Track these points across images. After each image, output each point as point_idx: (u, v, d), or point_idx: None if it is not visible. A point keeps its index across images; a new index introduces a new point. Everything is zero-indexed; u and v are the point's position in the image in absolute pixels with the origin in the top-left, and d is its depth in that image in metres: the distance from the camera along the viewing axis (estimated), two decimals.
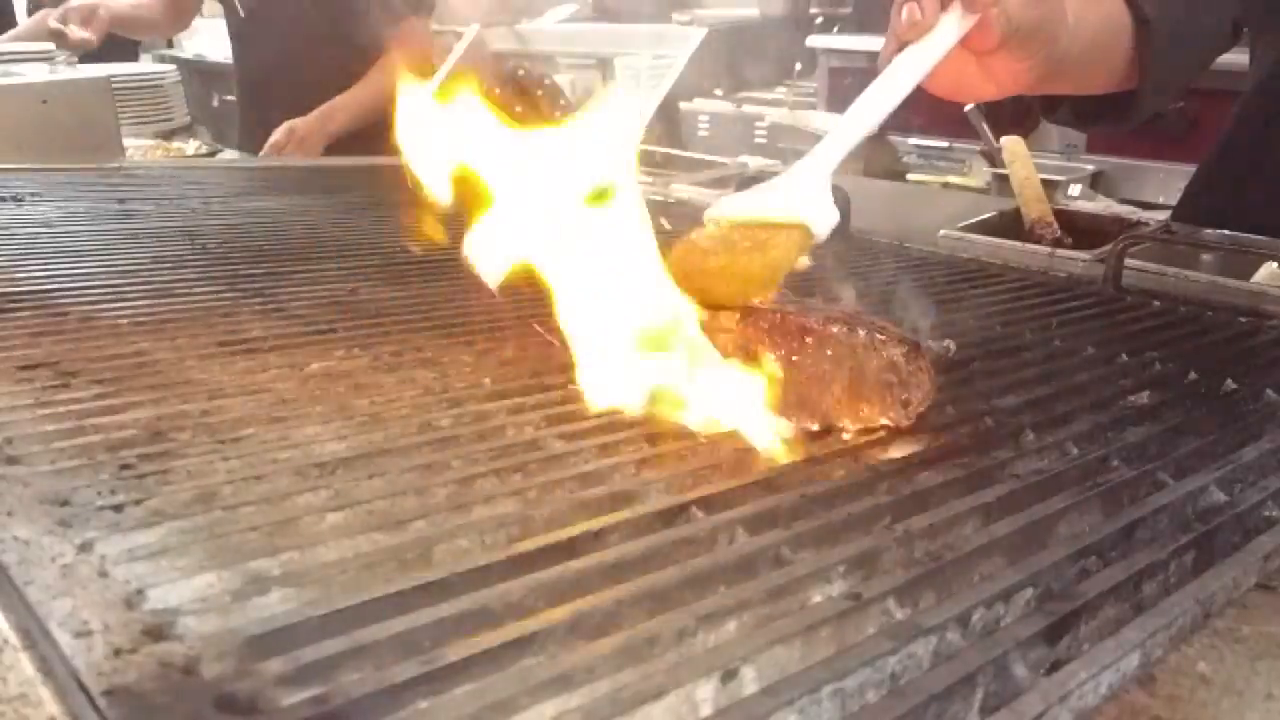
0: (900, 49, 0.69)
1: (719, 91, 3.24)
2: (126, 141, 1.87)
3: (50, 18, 2.14)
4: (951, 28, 0.69)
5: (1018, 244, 1.18)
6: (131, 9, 2.32)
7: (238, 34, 2.21)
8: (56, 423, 0.60)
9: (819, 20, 3.18)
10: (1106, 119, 0.91)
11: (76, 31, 2.10)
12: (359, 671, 0.37)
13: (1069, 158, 2.46)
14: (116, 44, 2.47)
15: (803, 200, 0.65)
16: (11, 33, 2.66)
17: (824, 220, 0.65)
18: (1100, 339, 0.83)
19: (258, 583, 0.43)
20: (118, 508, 0.49)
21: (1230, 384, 0.74)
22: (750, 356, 0.63)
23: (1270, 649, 0.45)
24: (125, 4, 2.30)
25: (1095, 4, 0.77)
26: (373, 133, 1.95)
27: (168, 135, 2.38)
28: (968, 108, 2.04)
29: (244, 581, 0.43)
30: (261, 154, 2.01)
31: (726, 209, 0.66)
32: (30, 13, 2.98)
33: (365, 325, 0.82)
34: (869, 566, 0.47)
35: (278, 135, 1.97)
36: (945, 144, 2.58)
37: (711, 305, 0.64)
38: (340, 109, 2.01)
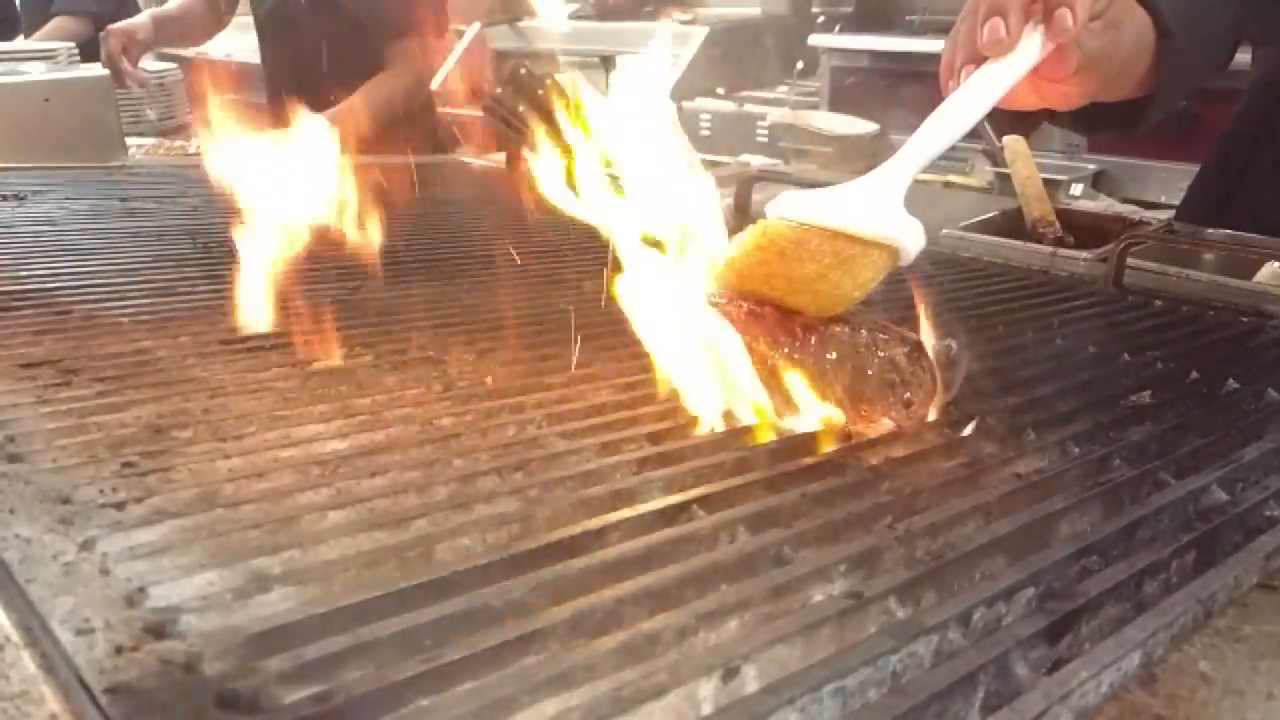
0: (969, 62, 0.69)
1: (720, 90, 3.24)
2: (128, 140, 1.87)
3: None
4: (1033, 49, 0.68)
5: (1019, 243, 1.18)
6: (179, 22, 2.32)
7: (261, 32, 2.22)
8: (58, 420, 0.60)
9: (821, 19, 3.17)
10: (1111, 126, 0.92)
11: (127, 68, 2.11)
12: (360, 669, 0.37)
13: (1071, 157, 2.46)
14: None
15: (890, 219, 0.62)
16: (36, 35, 2.67)
17: (914, 243, 0.62)
18: (1102, 338, 0.83)
19: (259, 581, 0.43)
20: (119, 505, 0.50)
21: (1232, 383, 0.74)
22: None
23: (1272, 648, 0.45)
24: (172, 15, 2.30)
25: (1130, 20, 0.78)
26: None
27: (169, 134, 2.37)
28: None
29: (245, 579, 0.43)
30: None
31: (797, 211, 0.62)
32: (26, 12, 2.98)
33: (367, 323, 0.82)
34: (870, 565, 0.47)
35: None
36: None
37: (773, 304, 0.62)
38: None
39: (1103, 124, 0.91)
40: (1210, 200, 1.19)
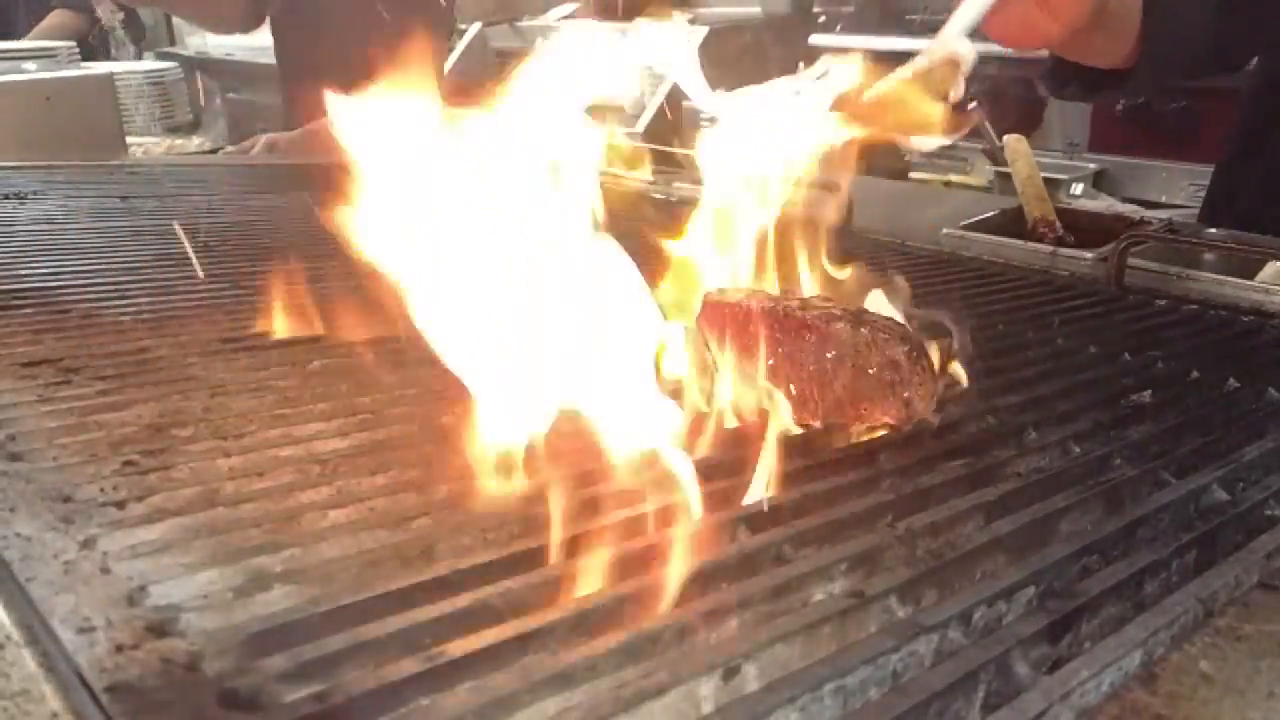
0: None
1: (721, 90, 3.24)
2: (129, 139, 1.86)
3: None
4: None
5: (1020, 243, 1.18)
6: None
7: (277, 30, 2.22)
8: (59, 419, 0.60)
9: (821, 19, 3.17)
10: (1110, 87, 0.95)
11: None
12: (361, 668, 0.37)
13: (1071, 156, 2.45)
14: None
15: (947, 41, 0.77)
16: (35, 30, 2.67)
17: (966, 49, 0.76)
18: (1102, 338, 0.83)
19: (260, 579, 0.43)
20: (120, 504, 0.50)
21: (1233, 383, 0.74)
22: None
23: (1272, 648, 0.45)
24: None
25: None
26: None
27: (170, 132, 2.37)
28: (970, 105, 2.04)
29: (246, 578, 0.43)
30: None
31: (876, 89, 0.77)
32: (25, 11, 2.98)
33: (367, 323, 0.82)
34: (871, 564, 0.47)
35: (256, 151, 1.96)
36: (948, 142, 2.57)
37: (892, 133, 0.77)
38: (324, 131, 1.99)
39: (1101, 86, 0.96)
40: (1223, 199, 1.20)
